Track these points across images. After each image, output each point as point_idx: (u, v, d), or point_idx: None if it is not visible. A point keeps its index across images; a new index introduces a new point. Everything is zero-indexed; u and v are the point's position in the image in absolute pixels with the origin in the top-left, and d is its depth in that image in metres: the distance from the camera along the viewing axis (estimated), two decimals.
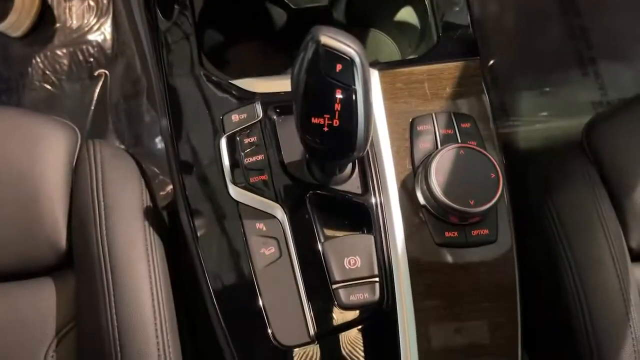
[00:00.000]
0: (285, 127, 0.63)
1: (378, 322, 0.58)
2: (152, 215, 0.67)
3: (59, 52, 1.30)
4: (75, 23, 1.32)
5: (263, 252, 0.59)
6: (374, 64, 0.67)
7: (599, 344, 0.64)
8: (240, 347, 0.58)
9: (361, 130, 0.50)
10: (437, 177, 0.58)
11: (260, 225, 0.60)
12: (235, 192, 0.61)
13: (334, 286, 0.58)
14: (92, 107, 1.27)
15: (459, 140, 0.63)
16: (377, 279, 0.58)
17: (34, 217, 0.66)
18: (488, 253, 0.61)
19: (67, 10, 1.33)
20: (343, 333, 0.58)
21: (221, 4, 0.79)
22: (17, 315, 0.64)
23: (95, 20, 1.32)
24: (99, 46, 1.31)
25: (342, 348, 0.58)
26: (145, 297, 0.61)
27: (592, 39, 1.33)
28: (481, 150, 0.60)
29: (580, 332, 0.65)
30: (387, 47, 0.86)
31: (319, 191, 0.61)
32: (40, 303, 0.65)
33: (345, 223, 0.61)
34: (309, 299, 0.58)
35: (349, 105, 0.48)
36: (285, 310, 0.58)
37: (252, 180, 0.61)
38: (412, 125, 0.64)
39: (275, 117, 0.64)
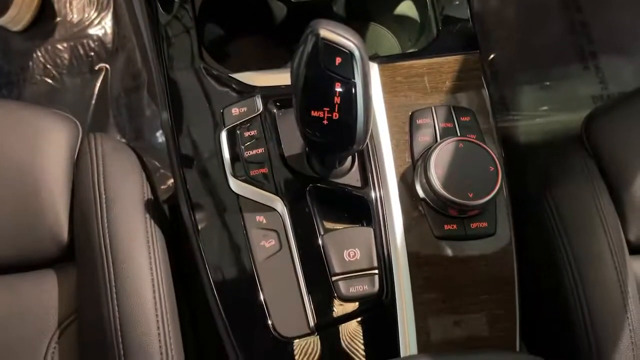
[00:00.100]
0: (285, 121, 0.63)
1: (377, 314, 0.59)
2: (153, 208, 0.67)
3: (59, 46, 1.30)
4: (75, 17, 1.32)
5: (263, 244, 0.59)
6: (374, 58, 0.67)
7: (597, 336, 0.64)
8: (240, 338, 0.58)
9: (361, 124, 0.50)
10: (437, 170, 0.58)
11: (260, 218, 0.60)
12: (235, 185, 0.61)
13: (334, 278, 0.58)
14: (93, 101, 1.26)
15: (459, 134, 0.63)
16: (376, 271, 0.59)
17: (36, 210, 0.66)
18: (487, 246, 0.61)
19: (67, 4, 1.32)
20: (343, 325, 0.58)
21: None
22: (19, 308, 0.65)
23: (95, 14, 1.32)
24: (100, 40, 1.31)
25: (341, 339, 0.58)
26: (146, 289, 0.62)
27: (593, 33, 1.32)
28: (480, 143, 0.60)
29: (579, 324, 0.66)
30: (387, 40, 0.86)
31: (318, 184, 0.61)
32: (42, 295, 0.65)
33: (344, 216, 0.61)
34: (308, 290, 0.58)
35: (349, 98, 0.48)
36: (286, 301, 0.58)
37: (252, 173, 0.61)
38: (412, 118, 0.65)
39: (275, 110, 0.64)
